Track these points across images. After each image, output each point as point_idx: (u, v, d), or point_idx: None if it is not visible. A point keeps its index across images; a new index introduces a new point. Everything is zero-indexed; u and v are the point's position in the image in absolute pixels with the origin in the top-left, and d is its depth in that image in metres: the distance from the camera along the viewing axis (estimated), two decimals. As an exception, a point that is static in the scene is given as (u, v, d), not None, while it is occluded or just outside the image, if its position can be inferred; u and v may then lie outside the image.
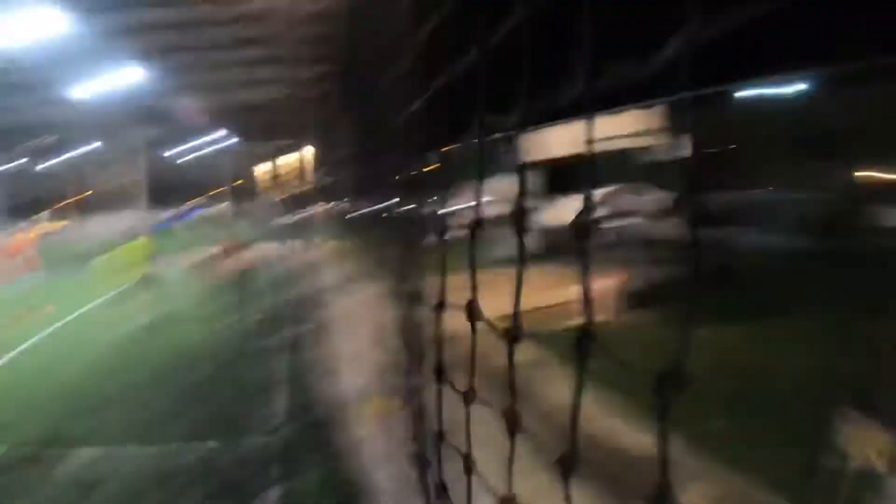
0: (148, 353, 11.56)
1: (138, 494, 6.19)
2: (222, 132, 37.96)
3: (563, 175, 14.94)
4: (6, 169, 34.79)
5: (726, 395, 5.94)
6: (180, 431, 7.60)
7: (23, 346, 12.53)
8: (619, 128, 11.67)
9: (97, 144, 38.31)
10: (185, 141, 36.48)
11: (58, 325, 14.88)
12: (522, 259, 0.81)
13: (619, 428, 6.13)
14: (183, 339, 12.26)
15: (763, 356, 7.23)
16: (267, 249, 12.90)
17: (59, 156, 37.71)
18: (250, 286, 13.46)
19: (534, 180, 16.17)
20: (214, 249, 13.77)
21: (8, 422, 8.31)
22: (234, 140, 39.16)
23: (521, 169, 14.41)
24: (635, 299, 9.94)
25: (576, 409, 0.75)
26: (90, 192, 58.85)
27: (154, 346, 12.04)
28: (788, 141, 13.12)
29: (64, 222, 50.42)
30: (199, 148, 39.67)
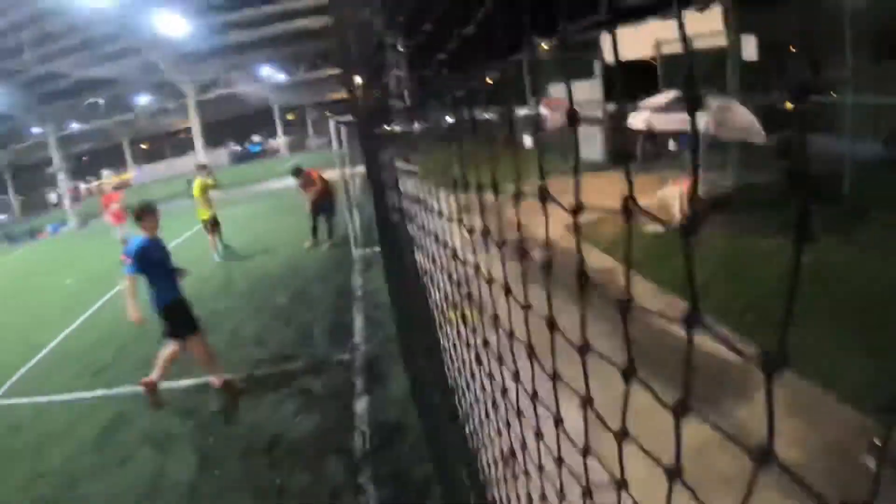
0: (231, 281, 12.02)
1: (232, 417, 6.52)
2: (270, 67, 38.13)
3: (642, 77, 14.51)
4: (65, 131, 35.94)
5: (804, 303, 5.81)
6: (268, 355, 7.93)
7: (114, 290, 13.13)
8: (695, 27, 11.14)
9: (148, 97, 39.01)
10: (233, 82, 36.90)
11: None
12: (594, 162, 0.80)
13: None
14: (263, 266, 12.68)
15: (845, 266, 7.01)
16: (340, 173, 12.93)
17: (113, 112, 38.63)
18: (327, 209, 13.61)
19: (614, 83, 15.78)
20: (291, 178, 13.87)
21: (106, 364, 8.83)
22: (283, 75, 39.30)
23: (603, 72, 14.03)
24: (706, 205, 9.74)
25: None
26: (146, 144, 60.12)
27: (237, 274, 12.48)
28: (870, 40, 12.23)
29: (129, 174, 51.82)
30: (251, 86, 40.06)
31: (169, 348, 6.75)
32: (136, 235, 6.52)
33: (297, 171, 13.56)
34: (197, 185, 13.62)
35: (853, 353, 5.19)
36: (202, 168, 13.84)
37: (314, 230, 13.62)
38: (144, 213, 6.49)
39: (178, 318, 6.69)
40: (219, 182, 14.62)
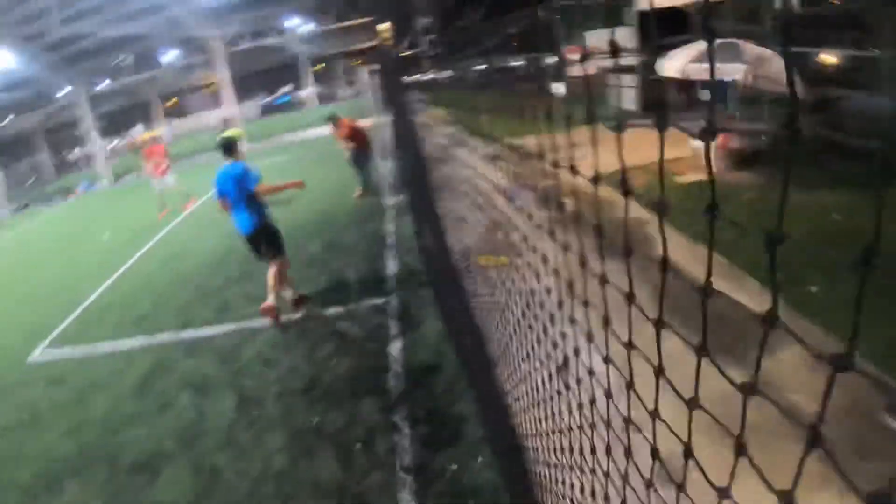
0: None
1: (270, 361, 6.64)
2: (297, 20, 37.84)
3: (675, 25, 14.11)
4: (94, 91, 36.17)
5: (831, 259, 5.67)
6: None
7: (150, 243, 13.36)
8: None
9: (176, 52, 38.97)
10: (259, 35, 36.70)
11: (182, 216, 15.84)
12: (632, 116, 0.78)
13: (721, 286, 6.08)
14: (297, 215, 12.77)
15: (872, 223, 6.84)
16: (372, 122, 12.87)
17: (140, 69, 38.71)
18: (365, 158, 13.60)
19: (646, 31, 15.43)
20: (328, 125, 13.92)
21: (145, 313, 9.03)
22: (312, 25, 38.96)
23: (637, 18, 13.63)
24: (739, 158, 9.54)
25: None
26: (175, 100, 60.31)
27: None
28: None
29: (160, 129, 52.19)
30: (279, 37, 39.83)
31: (271, 271, 7.40)
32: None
33: (332, 119, 13.59)
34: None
35: (879, 312, 5.10)
36: (229, 122, 13.97)
37: (364, 181, 13.60)
38: (234, 145, 7.27)
39: (261, 242, 7.41)
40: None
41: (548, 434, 1.90)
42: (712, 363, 0.78)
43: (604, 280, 0.97)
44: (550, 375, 1.67)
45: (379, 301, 7.52)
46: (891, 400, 3.96)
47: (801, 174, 8.16)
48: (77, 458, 5.64)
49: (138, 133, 60.34)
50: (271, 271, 7.36)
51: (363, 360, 6.21)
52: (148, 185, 18.24)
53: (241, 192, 7.03)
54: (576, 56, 17.12)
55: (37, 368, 8.03)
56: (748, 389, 0.68)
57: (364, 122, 14.20)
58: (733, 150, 9.68)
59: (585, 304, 1.07)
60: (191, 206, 17.24)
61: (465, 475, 4.27)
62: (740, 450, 0.73)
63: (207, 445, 5.35)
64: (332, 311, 7.56)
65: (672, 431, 0.88)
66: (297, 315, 7.63)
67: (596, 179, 0.93)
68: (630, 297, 0.90)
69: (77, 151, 49.27)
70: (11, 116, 41.50)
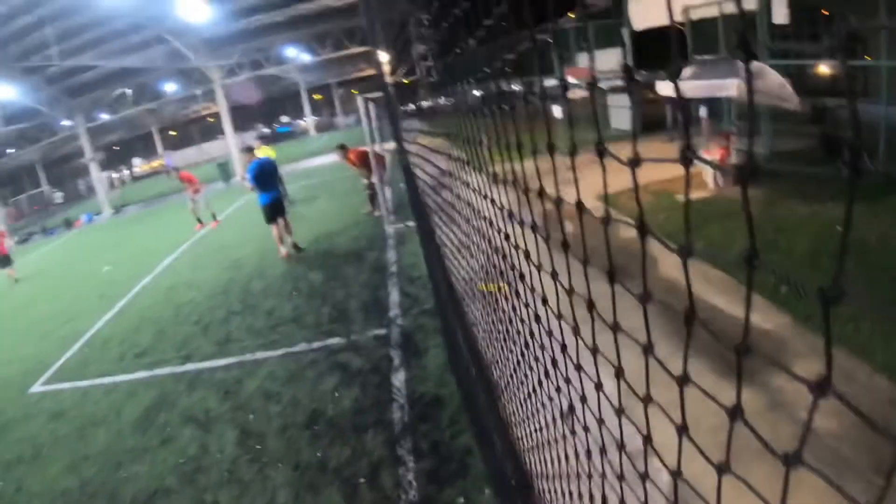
0: (263, 264, 12.10)
1: (272, 395, 6.57)
2: (294, 50, 38.12)
3: (668, 44, 14.17)
4: (95, 122, 36.46)
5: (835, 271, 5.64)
6: (304, 334, 7.99)
7: (151, 275, 13.35)
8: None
9: (173, 86, 39.28)
10: (258, 66, 36.97)
11: (184, 246, 15.84)
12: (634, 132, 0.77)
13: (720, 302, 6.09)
14: (303, 241, 12.82)
15: (880, 235, 6.83)
16: (370, 150, 12.98)
17: (141, 101, 39.00)
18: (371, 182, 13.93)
19: (642, 51, 15.58)
20: (334, 153, 14.46)
21: (146, 347, 8.98)
22: (309, 56, 39.25)
23: (631, 39, 13.68)
24: (740, 173, 9.51)
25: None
26: (175, 131, 60.63)
27: (272, 255, 12.59)
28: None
29: (159, 161, 52.47)
30: (277, 68, 40.19)
31: (274, 230, 11.95)
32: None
33: (342, 148, 14.29)
34: (262, 153, 15.75)
35: (889, 324, 5.09)
36: (248, 149, 14.59)
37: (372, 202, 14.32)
38: (255, 148, 12.53)
39: (274, 210, 11.80)
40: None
41: (557, 476, 1.86)
42: (704, 393, 0.76)
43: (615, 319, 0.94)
44: (554, 418, 1.64)
45: (381, 331, 7.48)
46: None
47: (803, 186, 8.19)
48: (78, 494, 5.59)
49: (138, 164, 60.92)
50: (275, 230, 11.91)
51: (366, 391, 6.15)
52: (148, 215, 18.50)
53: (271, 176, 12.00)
54: (576, 78, 17.23)
55: (37, 402, 7.97)
56: (735, 414, 0.66)
57: (385, 147, 14.52)
58: (732, 166, 9.69)
59: (594, 340, 1.04)
60: (215, 225, 18.42)
61: (471, 509, 4.21)
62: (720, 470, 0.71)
63: (209, 481, 5.28)
64: (334, 341, 7.51)
65: (701, 450, 0.85)
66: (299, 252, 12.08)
67: (605, 209, 0.90)
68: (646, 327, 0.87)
69: (78, 183, 49.52)
70: (12, 151, 41.69)
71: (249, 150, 14.66)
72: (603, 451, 1.22)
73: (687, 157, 0.66)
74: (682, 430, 0.83)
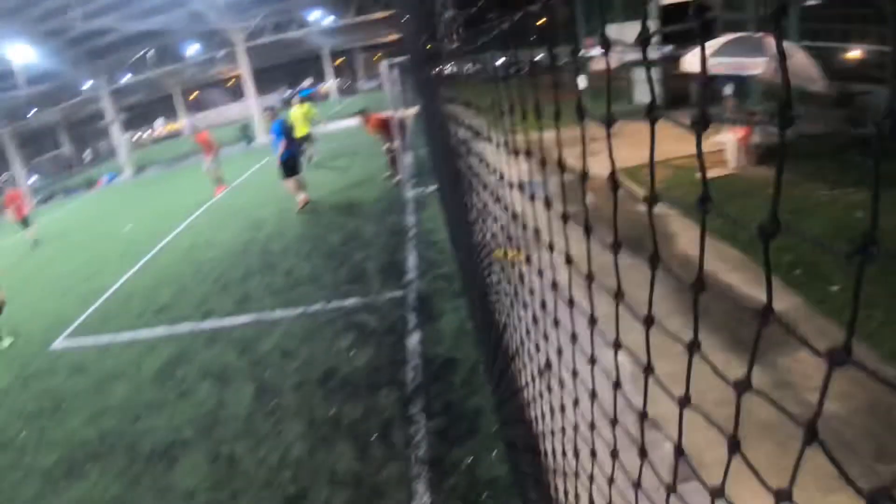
0: (282, 225, 12.21)
1: (288, 352, 6.67)
2: (319, 11, 37.90)
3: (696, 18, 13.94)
4: (116, 85, 36.48)
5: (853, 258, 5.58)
6: (321, 294, 8.07)
7: (171, 235, 13.49)
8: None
9: (197, 46, 39.22)
10: (280, 28, 36.77)
11: (210, 202, 15.96)
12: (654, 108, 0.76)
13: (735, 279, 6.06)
14: (320, 206, 12.86)
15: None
16: (393, 114, 12.96)
17: (162, 63, 38.97)
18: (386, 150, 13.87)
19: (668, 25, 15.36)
20: (353, 118, 14.44)
21: (166, 304, 9.12)
22: (333, 19, 39.01)
23: (659, 12, 13.41)
24: (760, 153, 9.42)
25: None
26: (197, 93, 60.61)
27: (292, 215, 12.68)
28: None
29: (181, 122, 52.59)
30: (300, 31, 39.94)
31: (290, 183, 12.77)
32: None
33: (363, 112, 14.14)
34: (301, 110, 17.61)
35: None
36: (270, 109, 15.27)
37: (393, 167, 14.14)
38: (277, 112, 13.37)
39: (291, 166, 12.62)
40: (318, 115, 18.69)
41: (563, 430, 1.89)
42: (703, 359, 0.78)
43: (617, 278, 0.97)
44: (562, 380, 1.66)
45: (398, 293, 7.53)
46: None
47: (825, 171, 8.09)
48: (97, 445, 5.73)
49: (160, 126, 61.08)
50: (289, 184, 12.78)
51: (381, 352, 6.22)
52: (169, 176, 18.61)
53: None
54: (597, 49, 16.97)
55: (59, 357, 8.15)
56: (743, 387, 0.68)
57: (407, 113, 14.50)
58: (755, 145, 9.58)
59: (617, 297, 1.05)
60: (220, 192, 18.09)
61: (480, 468, 4.28)
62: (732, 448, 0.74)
63: (226, 434, 5.40)
64: (351, 302, 7.58)
65: (712, 419, 0.88)
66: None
67: (614, 180, 0.92)
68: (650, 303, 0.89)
69: (100, 144, 49.80)
70: (35, 110, 41.90)
71: (271, 108, 14.93)
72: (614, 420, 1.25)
73: (699, 123, 0.67)
74: (685, 401, 0.86)
